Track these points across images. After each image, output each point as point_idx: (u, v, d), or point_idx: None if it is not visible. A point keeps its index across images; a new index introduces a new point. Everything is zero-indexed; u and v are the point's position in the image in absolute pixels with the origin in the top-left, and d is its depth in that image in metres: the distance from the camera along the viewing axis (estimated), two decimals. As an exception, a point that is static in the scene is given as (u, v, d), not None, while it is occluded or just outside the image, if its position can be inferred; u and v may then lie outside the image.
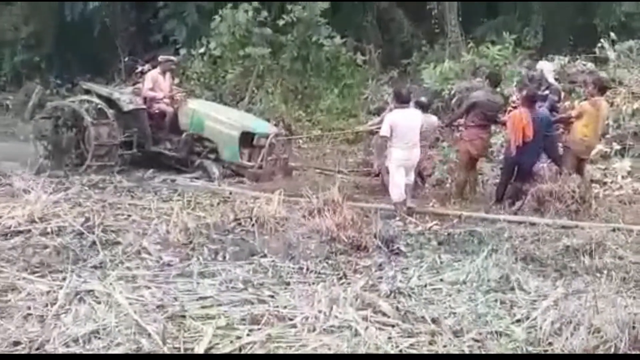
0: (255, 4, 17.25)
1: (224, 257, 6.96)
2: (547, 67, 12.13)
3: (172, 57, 13.82)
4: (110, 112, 11.73)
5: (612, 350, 4.64)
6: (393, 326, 5.17)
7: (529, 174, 10.33)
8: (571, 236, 8.02)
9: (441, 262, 7.05)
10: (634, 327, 4.78)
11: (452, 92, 14.86)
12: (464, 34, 18.46)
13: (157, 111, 12.34)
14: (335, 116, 16.43)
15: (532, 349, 4.89)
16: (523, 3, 19.88)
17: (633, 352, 4.63)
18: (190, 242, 7.24)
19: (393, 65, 19.06)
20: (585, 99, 10.90)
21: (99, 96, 12.07)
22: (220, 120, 11.94)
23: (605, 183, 11.76)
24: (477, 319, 5.41)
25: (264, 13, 17.40)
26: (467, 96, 11.52)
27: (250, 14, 17.16)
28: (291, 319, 5.21)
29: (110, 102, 11.95)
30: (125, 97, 12.12)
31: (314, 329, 5.01)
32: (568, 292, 6.02)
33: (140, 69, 17.61)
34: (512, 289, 6.15)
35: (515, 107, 12.74)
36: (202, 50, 17.73)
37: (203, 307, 5.54)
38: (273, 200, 8.36)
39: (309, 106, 16.79)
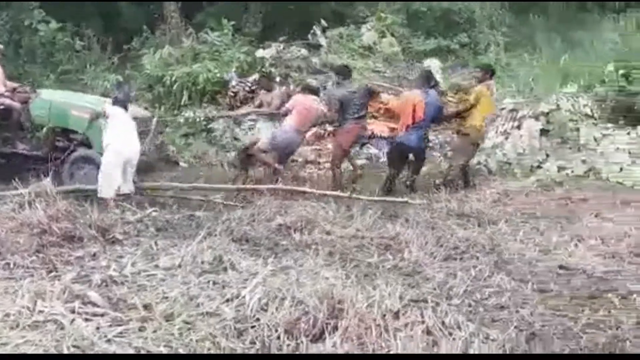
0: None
1: None
2: (435, 65, 12.27)
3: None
4: None
5: (312, 321, 4.92)
6: (102, 315, 5.09)
7: (423, 159, 10.75)
8: (285, 215, 8.39)
9: (157, 248, 7.00)
10: (332, 298, 5.10)
11: (173, 78, 14.93)
12: (184, 20, 18.45)
13: (1, 107, 10.84)
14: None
15: (240, 326, 5.05)
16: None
17: (331, 321, 4.93)
18: None
19: (114, 51, 18.60)
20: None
21: None
22: (84, 107, 10.62)
23: (319, 163, 12.44)
24: (189, 302, 5.46)
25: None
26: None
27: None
28: (-9, 317, 4.95)
29: None
30: None
31: (17, 326, 4.80)
32: (276, 269, 6.28)
33: None
34: (225, 269, 6.28)
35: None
36: None
37: None
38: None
39: (23, 93, 15.90)
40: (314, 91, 11.32)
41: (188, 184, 10.15)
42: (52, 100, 10.91)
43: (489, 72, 11.02)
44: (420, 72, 11.51)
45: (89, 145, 10.51)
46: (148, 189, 9.78)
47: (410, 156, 10.76)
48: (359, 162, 12.25)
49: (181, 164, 12.82)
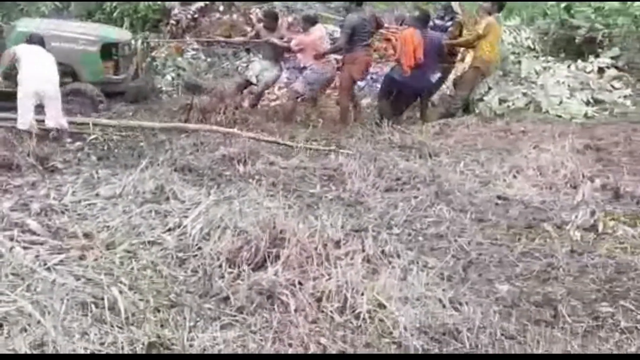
0: None
1: None
2: None
3: None
4: None
5: (254, 250, 4.95)
6: (42, 244, 5.06)
7: (415, 98, 10.73)
8: (228, 145, 8.37)
9: (98, 178, 6.95)
10: (274, 227, 5.14)
11: (113, 5, 14.51)
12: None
13: None
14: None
15: (182, 255, 5.08)
16: None
17: (273, 250, 4.97)
18: None
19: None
20: None
21: None
22: (68, 37, 10.06)
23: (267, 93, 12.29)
24: (130, 231, 5.46)
25: None
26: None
27: None
28: None
29: None
30: None
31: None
32: (219, 199, 6.28)
33: None
34: (167, 199, 6.26)
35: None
36: None
37: None
38: None
39: None
40: (313, 21, 11.10)
41: (114, 121, 9.75)
42: (30, 33, 9.84)
43: (496, 4, 10.81)
44: (419, 14, 11.28)
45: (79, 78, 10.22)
46: (75, 123, 9.40)
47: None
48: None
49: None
